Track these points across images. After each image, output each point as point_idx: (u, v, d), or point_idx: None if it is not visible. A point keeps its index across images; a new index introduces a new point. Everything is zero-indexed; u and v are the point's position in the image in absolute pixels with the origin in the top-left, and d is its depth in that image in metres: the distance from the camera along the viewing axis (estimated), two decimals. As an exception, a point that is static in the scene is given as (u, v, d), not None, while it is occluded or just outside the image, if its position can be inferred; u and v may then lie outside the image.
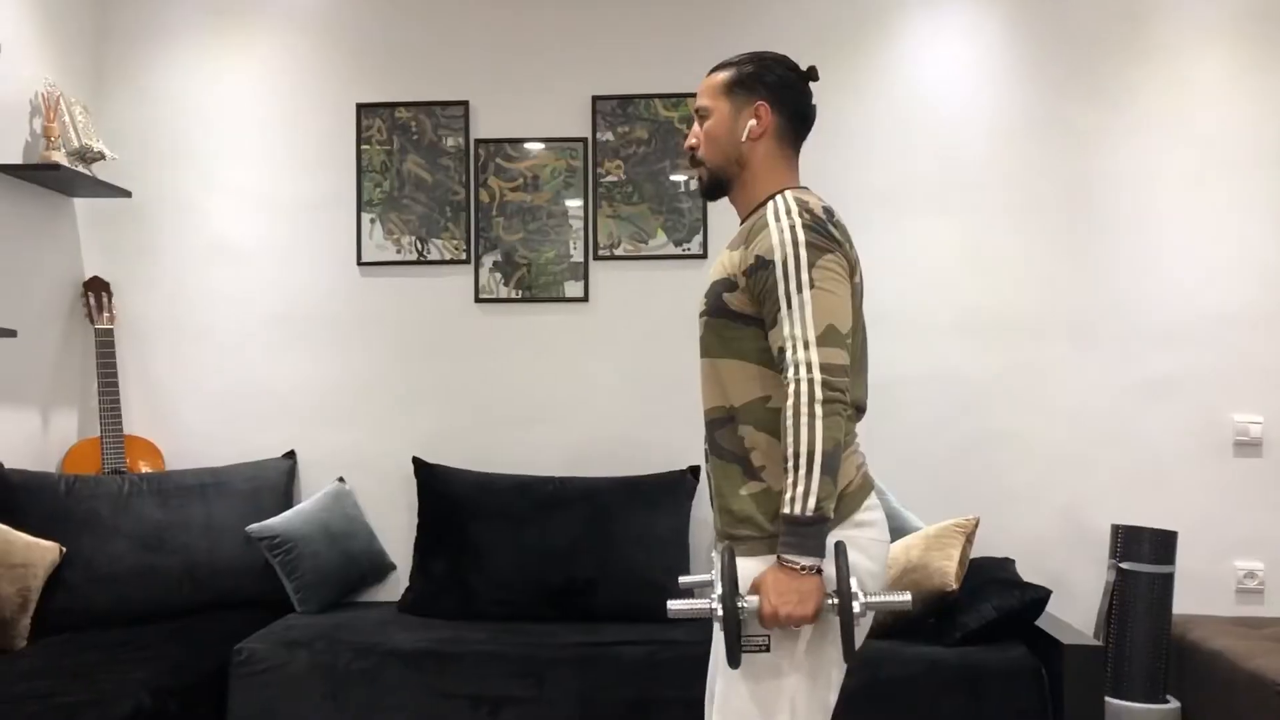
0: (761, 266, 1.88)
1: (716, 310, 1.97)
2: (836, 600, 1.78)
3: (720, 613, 1.78)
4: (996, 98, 3.89)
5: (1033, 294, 3.85)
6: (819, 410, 1.78)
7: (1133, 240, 3.82)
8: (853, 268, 1.94)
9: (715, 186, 2.09)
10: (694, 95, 3.88)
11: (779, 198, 1.95)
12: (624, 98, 3.96)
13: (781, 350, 1.84)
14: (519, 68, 4.01)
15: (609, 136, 3.96)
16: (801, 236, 1.86)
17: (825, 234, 1.89)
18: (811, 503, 1.76)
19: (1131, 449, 3.80)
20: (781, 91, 2.03)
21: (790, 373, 1.81)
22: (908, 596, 1.83)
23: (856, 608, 1.77)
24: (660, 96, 3.95)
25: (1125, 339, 3.81)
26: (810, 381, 1.79)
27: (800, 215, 1.89)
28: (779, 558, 1.79)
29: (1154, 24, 3.84)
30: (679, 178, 3.94)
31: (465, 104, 3.99)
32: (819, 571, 1.79)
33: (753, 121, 2.02)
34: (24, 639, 3.17)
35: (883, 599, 1.83)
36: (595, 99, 3.96)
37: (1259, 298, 3.78)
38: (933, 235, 3.86)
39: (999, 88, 3.89)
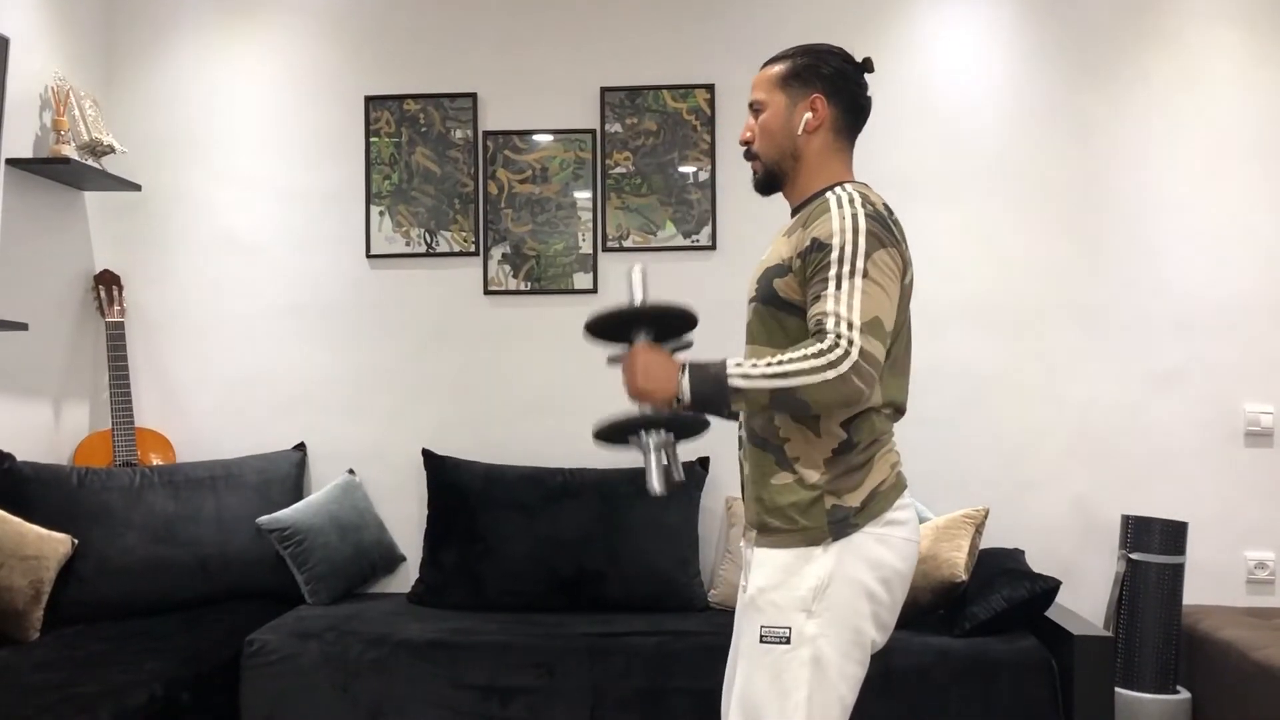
0: (817, 249, 1.86)
1: (766, 297, 1.96)
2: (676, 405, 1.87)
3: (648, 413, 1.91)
4: (1008, 86, 3.87)
5: (1043, 284, 3.84)
6: (829, 374, 1.76)
7: (1144, 230, 3.81)
8: (905, 268, 1.93)
9: (770, 180, 2.08)
10: (703, 86, 3.92)
11: (841, 188, 1.94)
12: (632, 89, 3.95)
13: (820, 320, 1.81)
14: (527, 60, 4.00)
15: (617, 128, 3.96)
16: (863, 225, 1.85)
17: (886, 228, 1.88)
18: (740, 383, 1.81)
19: (1141, 439, 3.79)
20: (837, 83, 2.02)
21: (831, 337, 1.78)
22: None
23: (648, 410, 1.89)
24: (669, 88, 3.94)
25: (1136, 329, 3.80)
26: (847, 354, 1.76)
27: (863, 206, 1.89)
28: (688, 363, 1.86)
29: (1166, 13, 3.82)
30: (688, 169, 3.94)
31: (473, 96, 3.99)
32: (679, 400, 1.86)
33: (809, 114, 2.01)
34: (37, 630, 3.19)
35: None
36: (603, 90, 3.96)
37: (1270, 287, 3.76)
38: (943, 224, 3.85)
39: (1010, 77, 3.87)
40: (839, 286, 1.81)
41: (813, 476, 1.90)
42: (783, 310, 1.94)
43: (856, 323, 1.78)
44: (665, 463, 1.94)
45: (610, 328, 1.97)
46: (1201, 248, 3.79)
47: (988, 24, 3.89)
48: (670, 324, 1.96)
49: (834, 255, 1.83)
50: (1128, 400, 3.79)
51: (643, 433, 1.92)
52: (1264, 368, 3.76)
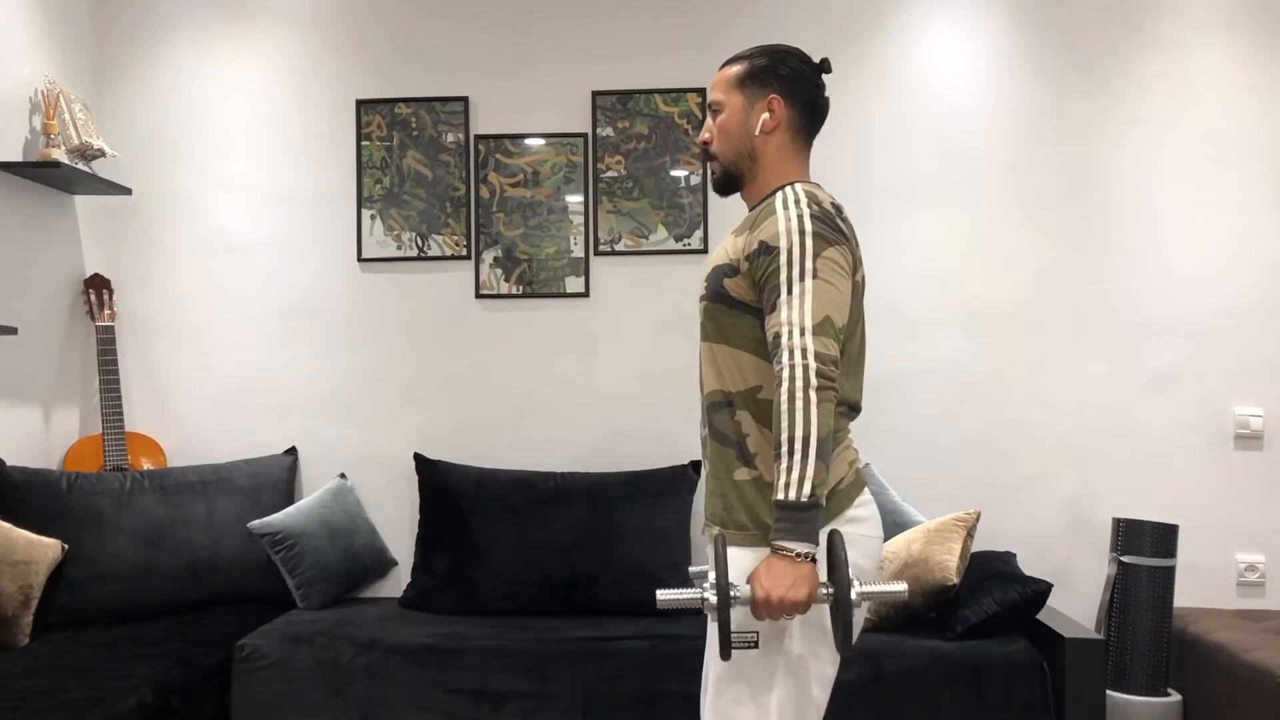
0: (765, 252, 1.87)
1: (715, 296, 1.97)
2: (831, 588, 1.75)
3: (712, 601, 1.75)
4: (998, 91, 3.89)
5: (1034, 287, 3.85)
6: (813, 396, 1.76)
7: (1134, 233, 3.82)
8: (855, 265, 1.94)
9: (728, 180, 2.08)
10: (695, 90, 3.92)
11: (788, 188, 1.95)
12: (624, 93, 3.95)
13: (776, 336, 1.82)
14: (519, 63, 4.00)
15: (609, 132, 3.96)
16: (809, 226, 1.86)
17: (832, 227, 1.89)
18: (807, 488, 1.74)
19: (1132, 442, 3.80)
20: (795, 84, 2.03)
21: (785, 358, 1.79)
22: (903, 586, 1.81)
23: (853, 596, 1.74)
24: (660, 91, 3.94)
25: (1126, 332, 3.81)
26: (805, 368, 1.77)
27: (809, 206, 1.89)
28: (772, 545, 1.77)
29: (1155, 17, 3.84)
30: (679, 173, 3.94)
31: (465, 100, 3.99)
32: (813, 559, 1.76)
33: (766, 115, 2.01)
34: (26, 636, 3.18)
35: (879, 588, 1.81)
36: (595, 94, 3.96)
37: (1260, 290, 3.78)
38: (934, 228, 3.86)
39: (1001, 81, 3.89)
40: (790, 291, 1.82)
41: (770, 475, 1.90)
42: (734, 308, 1.94)
43: (808, 326, 1.79)
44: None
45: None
46: (1192, 251, 3.80)
47: (979, 29, 3.90)
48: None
49: (782, 259, 1.84)
50: (1119, 403, 3.80)
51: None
52: (1254, 371, 3.77)
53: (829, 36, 3.89)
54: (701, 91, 3.93)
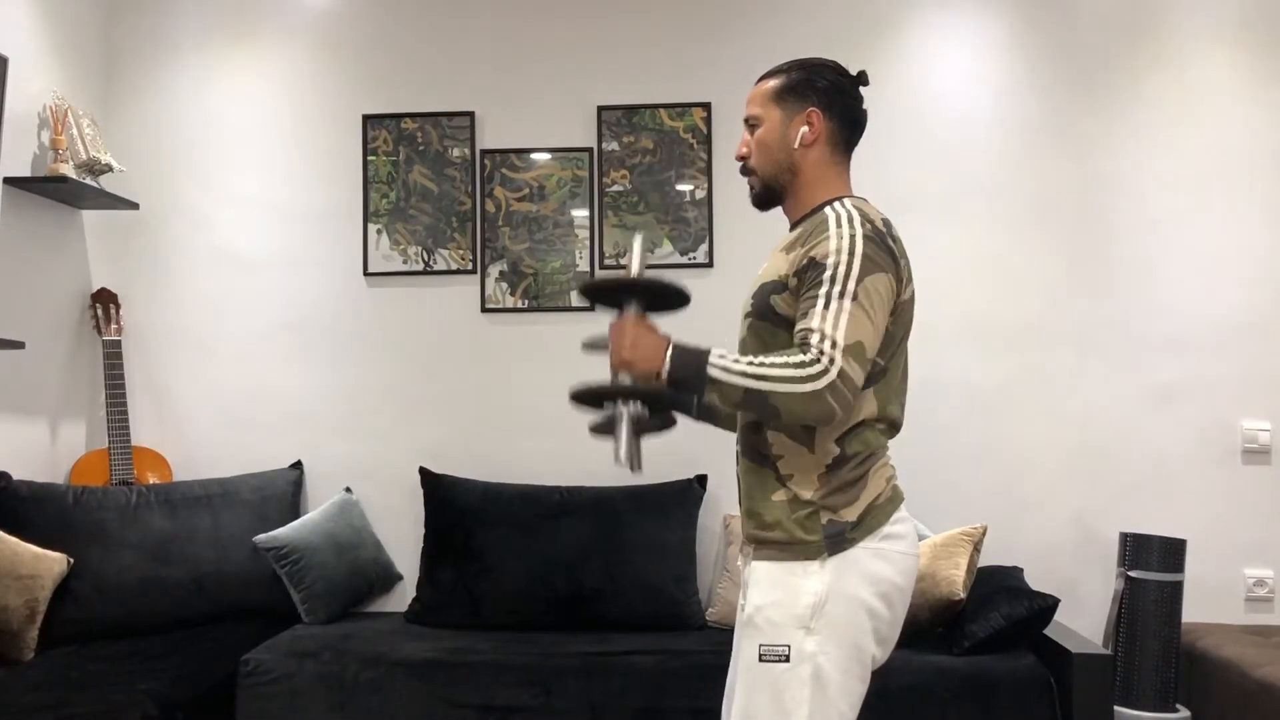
0: (813, 267, 1.86)
1: (763, 312, 1.96)
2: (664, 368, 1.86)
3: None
4: (1003, 106, 3.89)
5: (1040, 301, 3.84)
6: (809, 387, 1.76)
7: (1141, 247, 3.82)
8: (904, 284, 1.92)
9: (768, 195, 2.07)
10: (699, 105, 3.93)
11: (839, 204, 1.93)
12: (629, 108, 3.96)
13: (806, 335, 1.81)
14: (524, 78, 4.01)
15: (614, 146, 3.97)
16: (860, 248, 1.84)
17: (884, 247, 1.88)
18: (716, 371, 1.81)
19: (1139, 456, 3.78)
20: (833, 97, 2.02)
21: (814, 351, 1.78)
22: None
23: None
24: (665, 106, 3.95)
25: (1133, 346, 3.80)
26: (827, 371, 1.76)
27: (862, 225, 1.88)
28: (674, 342, 1.86)
29: (1159, 33, 3.84)
30: (684, 187, 3.94)
31: (471, 115, 4.00)
32: (663, 376, 1.86)
33: (805, 128, 2.00)
34: (32, 650, 3.18)
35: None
36: (600, 109, 3.97)
37: (1266, 304, 3.77)
38: (940, 242, 3.85)
39: (1005, 96, 3.89)
40: (827, 305, 1.81)
41: (807, 493, 1.89)
42: (780, 326, 1.93)
43: (840, 343, 1.78)
44: (635, 436, 1.93)
45: (604, 293, 2.00)
46: (1199, 265, 3.79)
47: (984, 43, 3.90)
48: (664, 299, 1.97)
49: (827, 274, 1.83)
50: (1125, 417, 3.79)
51: (619, 402, 1.92)
52: (1261, 385, 3.76)
53: (833, 52, 3.85)
54: (706, 106, 3.93)
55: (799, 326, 1.85)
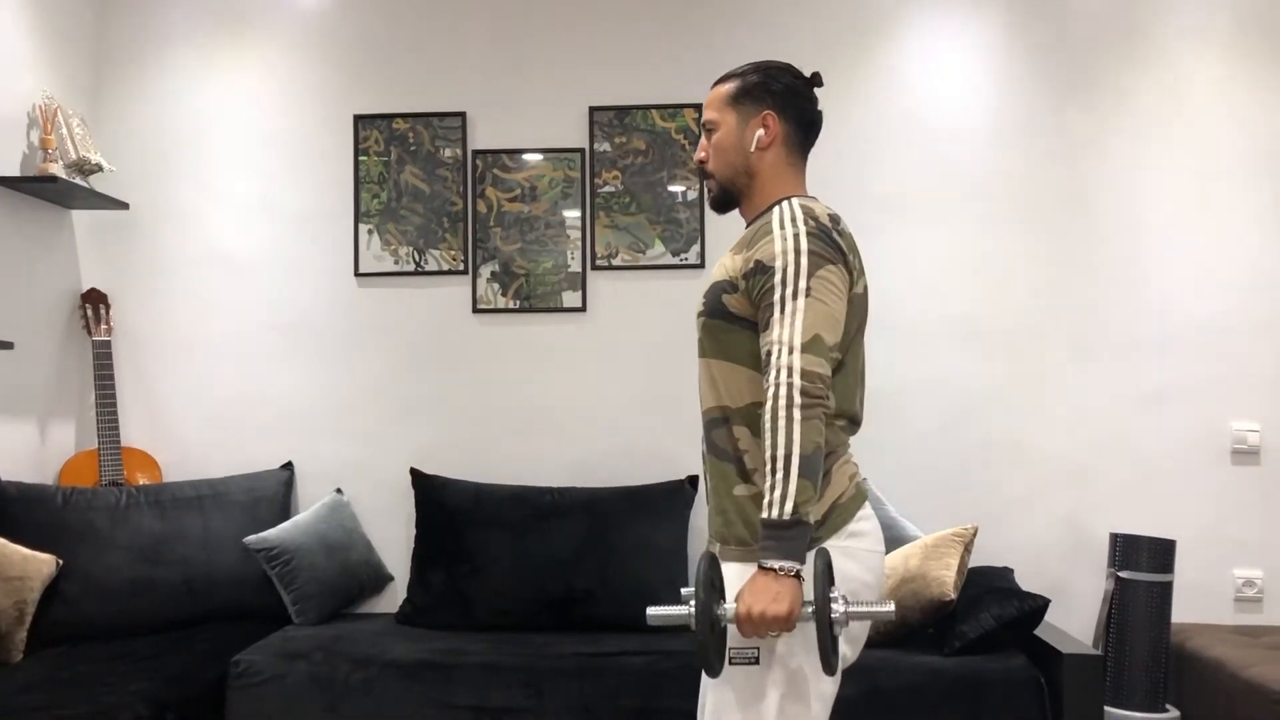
0: (761, 271, 1.87)
1: (714, 311, 1.96)
2: (814, 605, 1.73)
3: (696, 619, 1.73)
4: (995, 107, 3.90)
5: (1031, 302, 3.85)
6: (797, 414, 1.76)
7: (1131, 249, 3.83)
8: (855, 278, 1.93)
9: (726, 198, 2.08)
10: (691, 106, 3.93)
11: (785, 204, 1.94)
12: (621, 108, 3.96)
13: (768, 354, 1.82)
14: (516, 79, 4.01)
15: (606, 147, 3.97)
16: (804, 245, 1.85)
17: (829, 242, 1.88)
18: (789, 506, 1.73)
19: (1129, 457, 3.80)
20: (788, 99, 2.03)
21: (772, 376, 1.79)
22: (892, 607, 1.78)
23: (837, 613, 1.72)
24: (657, 107, 3.95)
25: (1123, 347, 3.82)
26: (790, 386, 1.77)
27: (805, 223, 1.88)
28: (759, 563, 1.76)
29: (1151, 34, 3.86)
30: (676, 188, 3.95)
31: (462, 115, 4.00)
32: (798, 575, 1.74)
33: (760, 131, 2.01)
34: (20, 652, 3.16)
35: (867, 609, 1.78)
36: (592, 110, 3.97)
37: (1256, 306, 3.78)
38: (932, 243, 3.87)
39: (998, 97, 3.90)
40: (783, 310, 1.82)
41: None
42: (732, 323, 1.94)
43: (797, 345, 1.79)
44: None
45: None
46: (1188, 266, 3.81)
47: (975, 45, 3.91)
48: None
49: (777, 278, 1.84)
50: (1116, 418, 3.81)
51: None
52: (1250, 386, 3.77)
53: (825, 52, 3.90)
54: (698, 107, 3.94)
55: (762, 343, 1.86)
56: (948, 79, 3.91)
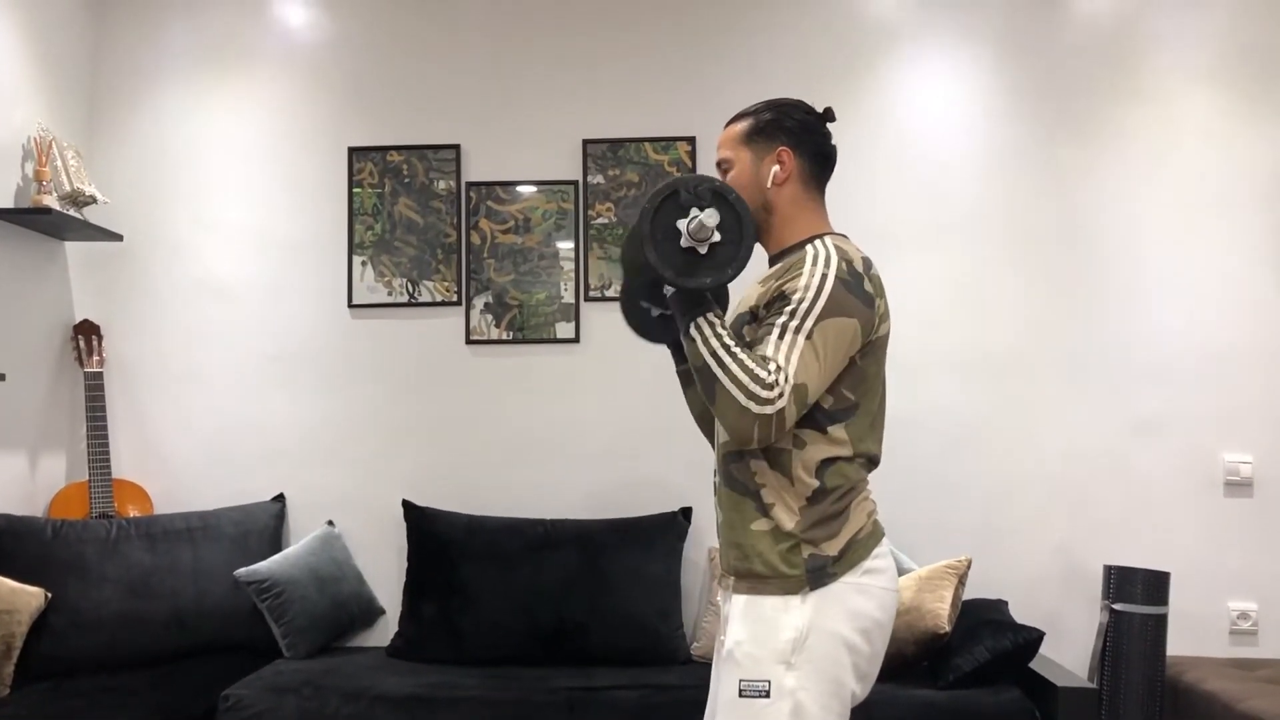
0: (780, 299, 1.88)
1: None
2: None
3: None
4: (986, 138, 3.92)
5: (1023, 333, 3.86)
6: (753, 406, 1.79)
7: (1122, 279, 3.85)
8: (879, 321, 1.94)
9: None
10: (684, 139, 3.95)
11: (820, 242, 1.95)
12: (614, 141, 3.99)
13: (764, 357, 1.84)
14: (510, 111, 4.03)
15: (599, 179, 3.99)
16: (829, 287, 1.86)
17: (859, 292, 1.89)
18: (704, 324, 1.86)
19: (1123, 489, 3.79)
20: (802, 135, 2.05)
21: (773, 377, 1.80)
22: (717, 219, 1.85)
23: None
24: (650, 140, 3.98)
25: (1115, 378, 3.82)
26: (774, 402, 1.78)
27: (838, 265, 1.89)
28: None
29: (1142, 66, 3.89)
30: (669, 220, 3.95)
31: (456, 147, 4.02)
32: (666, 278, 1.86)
33: (776, 167, 2.03)
34: (7, 686, 3.14)
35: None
36: (586, 142, 3.99)
37: (1248, 336, 3.79)
38: (923, 274, 3.88)
39: (989, 128, 3.92)
40: (782, 336, 1.84)
41: (788, 524, 1.89)
42: None
43: (791, 380, 1.81)
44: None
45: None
46: (1179, 297, 3.82)
47: (966, 76, 3.94)
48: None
49: (790, 307, 1.86)
50: (1108, 449, 3.81)
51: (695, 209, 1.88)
52: (1242, 417, 3.78)
53: (817, 84, 3.92)
54: (690, 140, 3.96)
55: (752, 341, 1.89)
56: (939, 110, 3.94)
